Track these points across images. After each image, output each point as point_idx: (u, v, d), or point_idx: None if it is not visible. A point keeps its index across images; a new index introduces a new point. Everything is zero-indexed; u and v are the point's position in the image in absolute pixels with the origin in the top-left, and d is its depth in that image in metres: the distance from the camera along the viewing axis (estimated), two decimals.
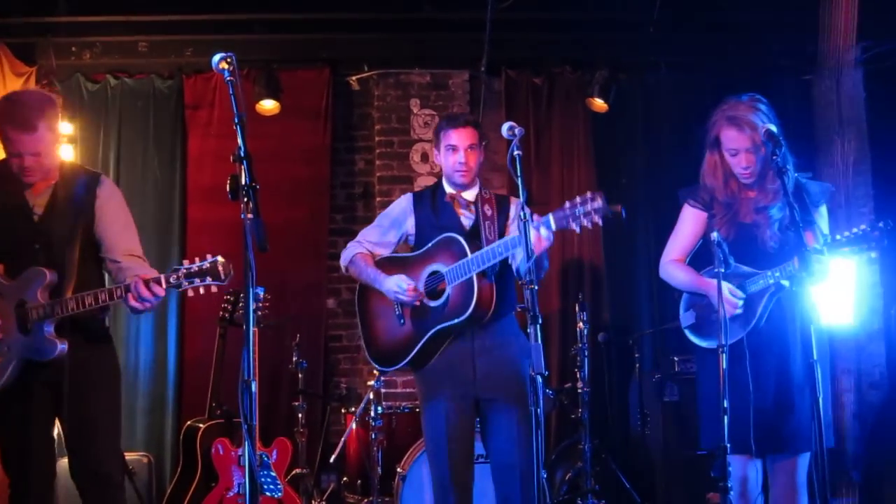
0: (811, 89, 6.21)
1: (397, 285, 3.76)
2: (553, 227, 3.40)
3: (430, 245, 3.84)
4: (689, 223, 3.85)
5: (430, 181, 5.56)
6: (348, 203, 6.65)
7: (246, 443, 2.46)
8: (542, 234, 3.40)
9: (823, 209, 3.70)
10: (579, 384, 5.28)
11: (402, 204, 4.05)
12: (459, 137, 3.85)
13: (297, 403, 5.44)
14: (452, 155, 3.87)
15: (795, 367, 3.56)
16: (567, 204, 3.37)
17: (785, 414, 3.55)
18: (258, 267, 2.90)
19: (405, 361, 3.83)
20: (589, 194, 3.34)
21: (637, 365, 5.88)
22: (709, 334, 3.67)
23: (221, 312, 5.22)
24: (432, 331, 3.74)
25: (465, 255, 3.64)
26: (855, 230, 3.40)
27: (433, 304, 3.77)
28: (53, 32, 5.93)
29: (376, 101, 6.56)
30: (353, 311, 6.48)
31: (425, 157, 6.50)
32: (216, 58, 2.78)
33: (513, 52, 6.48)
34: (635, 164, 6.59)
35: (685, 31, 6.23)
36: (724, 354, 3.32)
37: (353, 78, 6.58)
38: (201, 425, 4.98)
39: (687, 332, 3.80)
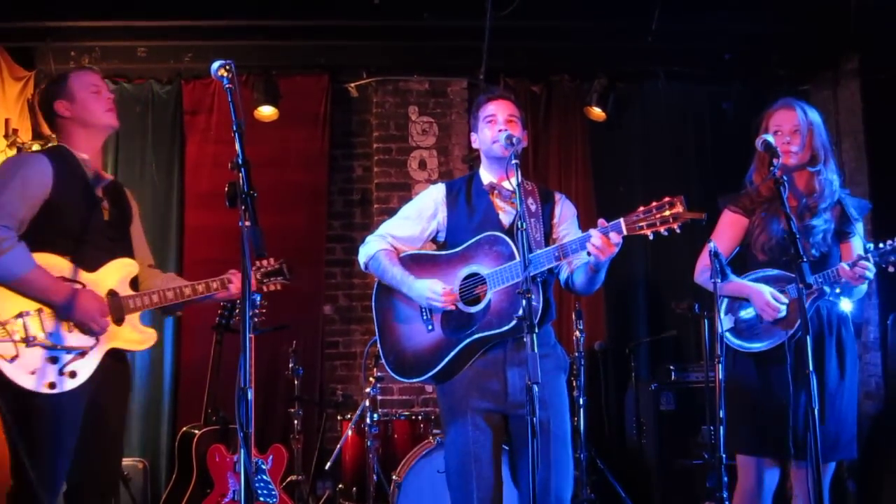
0: (808, 99, 6.23)
1: (430, 290, 3.37)
2: (624, 232, 3.10)
3: (468, 244, 3.45)
4: (728, 228, 3.85)
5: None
6: (346, 209, 6.66)
7: (242, 451, 2.44)
8: (611, 240, 3.09)
9: (860, 226, 3.75)
10: (575, 393, 5.28)
11: (433, 195, 3.64)
12: (498, 107, 3.51)
13: (293, 410, 5.44)
14: (492, 126, 3.49)
15: (831, 376, 3.60)
16: (641, 208, 3.10)
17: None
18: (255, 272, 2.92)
19: (433, 372, 3.42)
20: (667, 199, 3.06)
21: (633, 374, 5.89)
22: (749, 338, 3.69)
23: (218, 319, 5.21)
24: (469, 339, 3.35)
25: (514, 257, 3.27)
26: None
27: (471, 309, 3.37)
28: (52, 37, 5.92)
29: (375, 107, 6.58)
30: (349, 317, 6.59)
31: (423, 164, 6.50)
32: (215, 65, 2.78)
33: (511, 61, 6.49)
34: (633, 172, 6.61)
35: (683, 40, 6.24)
36: (720, 364, 3.34)
37: (352, 85, 6.59)
38: (197, 431, 4.98)
39: (727, 336, 3.78)
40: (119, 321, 3.33)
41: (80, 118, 3.41)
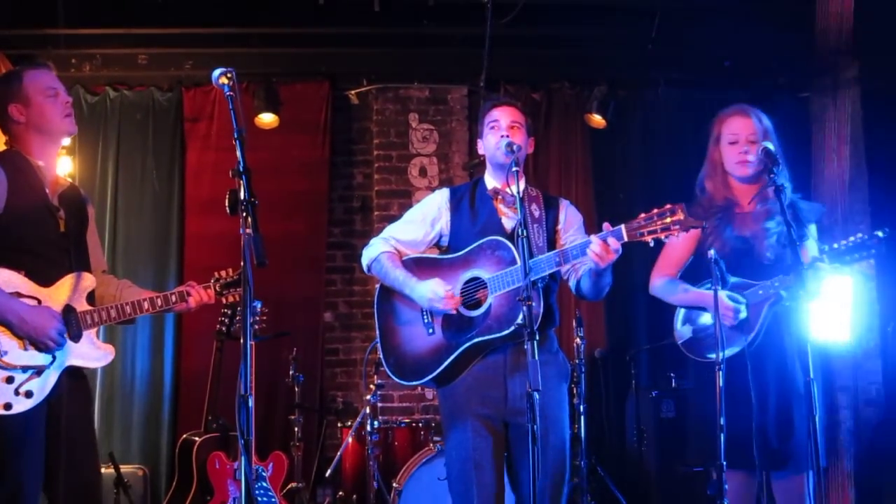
0: (808, 107, 6.23)
1: (433, 292, 3.36)
2: (625, 238, 3.14)
3: (470, 248, 3.46)
4: (683, 238, 3.83)
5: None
6: (346, 217, 6.66)
7: (242, 458, 2.44)
8: (611, 246, 3.13)
9: (813, 228, 3.71)
10: (576, 400, 5.27)
11: (437, 199, 3.65)
12: (502, 113, 3.53)
13: (293, 417, 5.44)
14: (495, 132, 3.50)
15: (795, 383, 3.54)
16: (643, 215, 3.13)
17: (786, 431, 3.51)
18: (255, 280, 2.91)
19: (432, 375, 3.43)
20: (668, 206, 3.11)
21: (634, 381, 5.88)
22: (707, 349, 3.64)
23: (218, 326, 5.20)
24: (468, 343, 3.36)
25: (515, 262, 3.28)
26: (853, 238, 3.43)
27: (472, 313, 3.38)
28: (53, 44, 5.93)
29: (375, 115, 6.58)
30: (350, 324, 6.59)
31: (423, 172, 6.51)
32: (216, 72, 2.76)
33: (511, 68, 6.49)
34: (633, 179, 6.61)
35: (683, 48, 6.25)
36: (720, 371, 3.31)
37: (352, 92, 6.60)
38: (197, 438, 4.97)
39: (682, 348, 3.78)
40: (76, 337, 3.21)
41: (35, 124, 3.26)
